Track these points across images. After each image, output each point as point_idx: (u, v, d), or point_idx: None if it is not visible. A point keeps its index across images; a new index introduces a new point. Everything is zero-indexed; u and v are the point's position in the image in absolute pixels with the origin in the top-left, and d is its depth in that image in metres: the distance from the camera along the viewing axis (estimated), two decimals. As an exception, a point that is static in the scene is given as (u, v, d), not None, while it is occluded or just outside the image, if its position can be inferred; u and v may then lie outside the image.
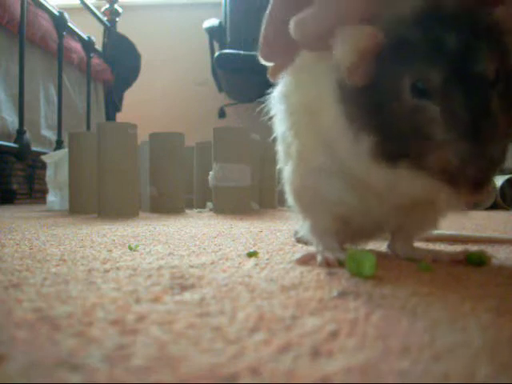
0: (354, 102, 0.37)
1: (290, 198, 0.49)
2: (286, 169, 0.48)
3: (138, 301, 0.30)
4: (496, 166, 0.34)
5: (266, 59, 0.45)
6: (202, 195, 1.64)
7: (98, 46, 3.04)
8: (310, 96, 0.42)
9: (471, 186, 0.34)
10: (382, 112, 0.35)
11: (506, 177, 1.63)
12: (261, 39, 0.44)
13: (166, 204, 1.45)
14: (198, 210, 1.57)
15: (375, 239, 0.53)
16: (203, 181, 1.53)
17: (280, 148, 0.49)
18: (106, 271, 0.40)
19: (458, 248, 0.54)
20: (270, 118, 0.49)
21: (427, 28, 0.34)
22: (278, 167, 0.51)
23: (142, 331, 0.24)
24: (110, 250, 0.54)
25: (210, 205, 1.56)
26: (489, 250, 0.53)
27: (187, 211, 1.50)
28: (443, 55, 0.33)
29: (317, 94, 0.40)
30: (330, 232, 0.46)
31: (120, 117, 3.32)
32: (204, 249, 0.55)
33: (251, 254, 0.49)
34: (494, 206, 1.63)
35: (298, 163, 0.46)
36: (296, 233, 0.61)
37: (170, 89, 3.62)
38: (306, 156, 0.45)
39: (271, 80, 0.46)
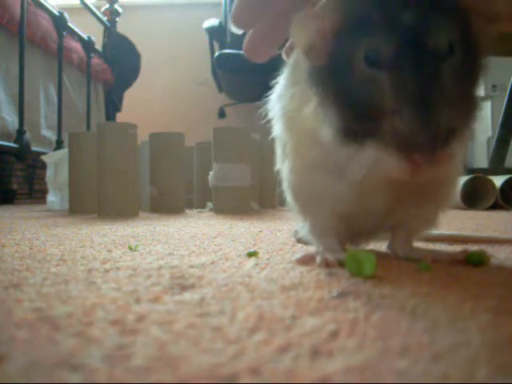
0: (320, 84, 0.38)
1: (288, 198, 0.49)
2: (284, 168, 0.48)
3: (137, 301, 0.30)
4: (446, 134, 0.34)
5: (237, 24, 0.44)
6: (202, 195, 1.64)
7: (98, 46, 3.04)
8: (301, 92, 0.42)
9: (421, 152, 0.34)
10: (341, 88, 0.36)
11: (506, 177, 1.63)
12: (233, 6, 0.43)
13: (166, 204, 1.45)
14: (198, 210, 1.57)
15: (375, 239, 0.53)
16: (203, 181, 1.53)
17: (277, 148, 0.50)
18: (106, 271, 0.40)
19: (457, 248, 0.54)
20: (269, 120, 0.49)
21: (383, 3, 0.35)
22: (276, 168, 0.51)
23: (142, 331, 0.24)
24: (110, 250, 0.54)
25: (210, 205, 1.56)
26: (488, 250, 0.53)
27: (187, 211, 1.50)
28: (395, 28, 0.34)
29: (305, 88, 0.41)
30: (330, 232, 0.46)
31: (120, 117, 3.32)
32: (204, 249, 0.56)
33: (251, 254, 0.49)
34: (495, 206, 1.63)
35: (294, 161, 0.46)
36: (296, 233, 0.61)
37: (170, 89, 3.63)
38: (301, 153, 0.45)
39: (284, 57, 0.47)
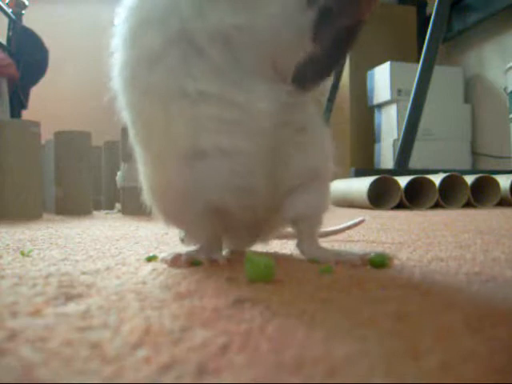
0: None
1: (152, 202, 0.47)
2: (145, 165, 0.46)
3: (14, 314, 0.27)
4: None
5: None
6: (112, 196, 1.59)
7: (2, 40, 2.91)
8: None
9: None
10: None
11: (410, 178, 1.68)
12: None
13: (72, 205, 1.40)
14: (106, 211, 1.52)
15: (266, 236, 0.50)
16: (112, 181, 1.48)
17: (137, 143, 0.47)
18: (-11, 280, 0.37)
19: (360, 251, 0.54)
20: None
21: None
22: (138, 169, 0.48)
23: (10, 351, 0.21)
24: (0, 256, 0.50)
25: (118, 206, 1.52)
26: (391, 250, 0.53)
27: (95, 213, 1.45)
28: None
29: None
30: (206, 233, 0.44)
31: (26, 114, 3.19)
32: (103, 253, 0.53)
33: (150, 259, 0.47)
34: (400, 206, 1.67)
35: (161, 151, 0.44)
36: (180, 232, 0.57)
37: (78, 86, 3.52)
38: (174, 137, 0.42)
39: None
